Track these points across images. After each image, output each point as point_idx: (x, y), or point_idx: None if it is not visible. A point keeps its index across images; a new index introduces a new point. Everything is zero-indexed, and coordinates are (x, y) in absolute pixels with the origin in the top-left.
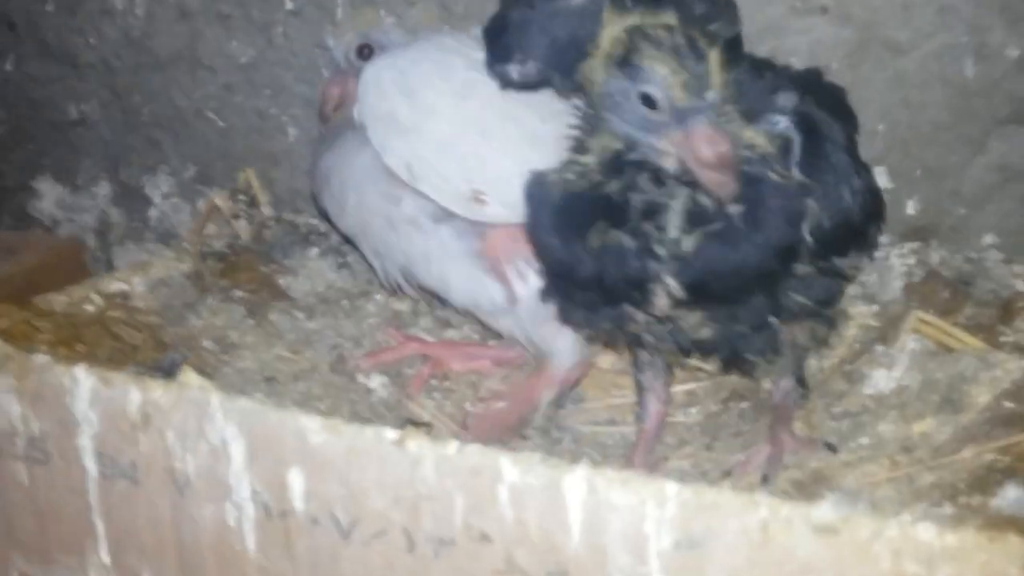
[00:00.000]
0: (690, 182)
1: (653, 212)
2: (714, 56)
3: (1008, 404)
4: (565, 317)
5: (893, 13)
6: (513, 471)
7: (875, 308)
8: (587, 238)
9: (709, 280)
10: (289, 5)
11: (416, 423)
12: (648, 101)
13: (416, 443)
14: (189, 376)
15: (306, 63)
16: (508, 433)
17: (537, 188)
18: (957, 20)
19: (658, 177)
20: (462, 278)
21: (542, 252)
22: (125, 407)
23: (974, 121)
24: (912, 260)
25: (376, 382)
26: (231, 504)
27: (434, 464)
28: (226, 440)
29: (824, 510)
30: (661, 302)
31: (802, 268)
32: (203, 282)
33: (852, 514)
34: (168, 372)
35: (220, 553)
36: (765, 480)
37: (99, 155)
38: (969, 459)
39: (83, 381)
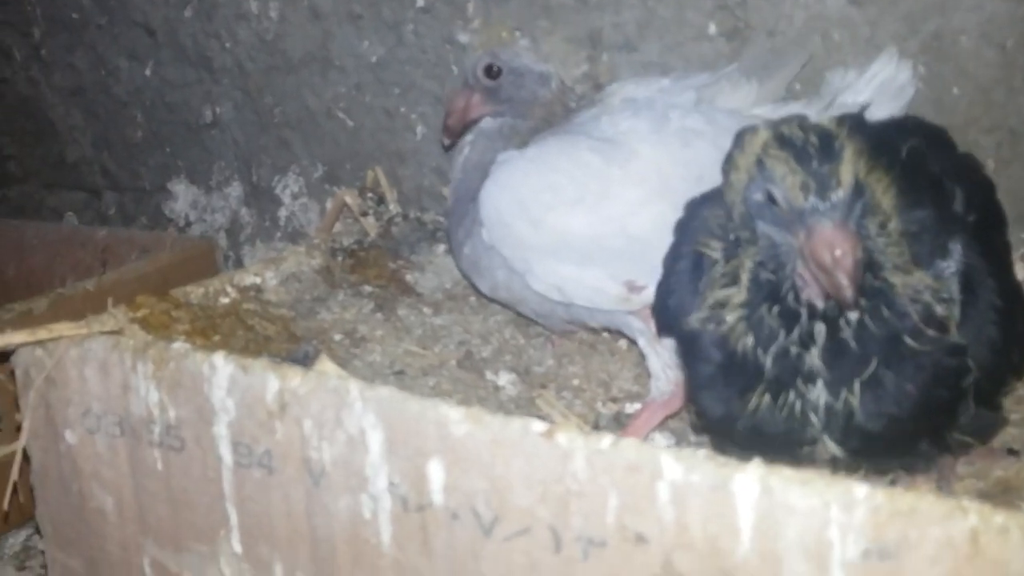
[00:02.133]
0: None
1: (803, 364)
2: (849, 155)
3: None
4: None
5: None
6: (676, 468)
7: None
8: (746, 402)
9: (869, 442)
10: (420, 3)
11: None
12: (772, 199)
13: (567, 436)
14: (326, 365)
15: (435, 60)
16: None
17: (692, 344)
18: None
19: (793, 311)
20: (623, 322)
21: (700, 409)
22: (263, 395)
23: None
24: None
25: (504, 379)
26: (367, 496)
27: (586, 459)
28: (364, 429)
29: None
30: (823, 457)
31: (970, 407)
32: (333, 277)
33: None
34: (301, 363)
35: (354, 546)
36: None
37: (231, 156)
38: None
39: (221, 369)
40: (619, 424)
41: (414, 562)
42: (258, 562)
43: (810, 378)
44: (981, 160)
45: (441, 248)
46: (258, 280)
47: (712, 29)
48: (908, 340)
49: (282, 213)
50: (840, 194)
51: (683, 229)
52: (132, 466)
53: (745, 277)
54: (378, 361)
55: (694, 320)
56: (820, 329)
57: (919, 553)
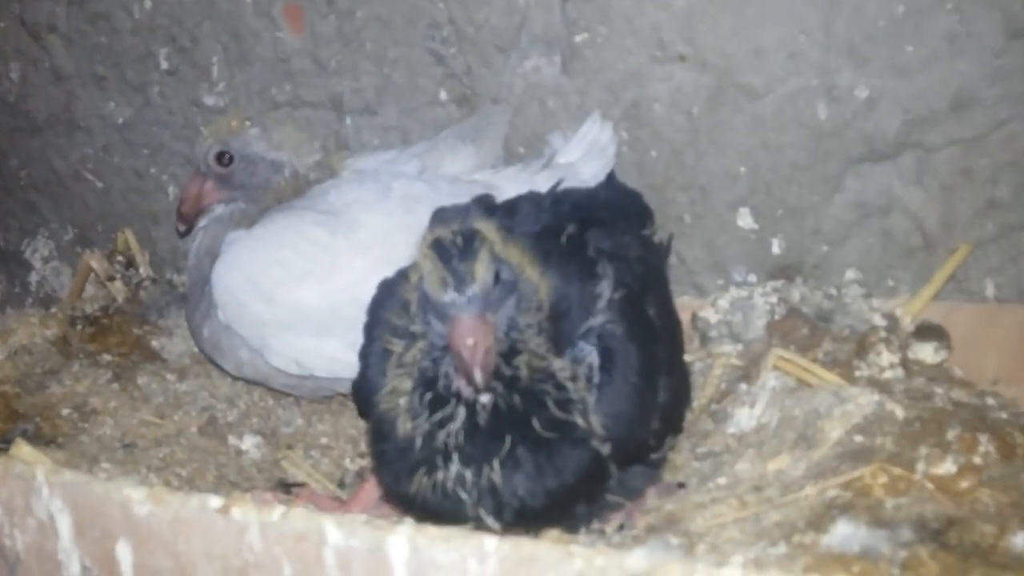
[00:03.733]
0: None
1: (443, 444)
2: (484, 254)
3: (858, 438)
4: None
5: (746, 59)
6: (337, 534)
7: (739, 347)
8: (412, 481)
9: (520, 515)
10: (164, 65)
11: (290, 484)
12: (426, 299)
13: (241, 510)
14: (21, 449)
15: (183, 121)
16: None
17: (376, 425)
18: (807, 64)
19: (442, 396)
20: None
21: (383, 487)
22: None
23: (830, 161)
24: (774, 298)
25: (249, 443)
26: None
27: (259, 531)
28: (53, 515)
29: (637, 558)
30: (494, 527)
31: (613, 473)
32: (69, 347)
33: (664, 560)
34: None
35: None
36: (621, 528)
37: None
38: (813, 496)
39: None
40: (363, 479)
41: None
42: None
43: (450, 457)
44: (678, 215)
45: None
46: None
47: (443, 95)
48: (536, 425)
49: (33, 278)
50: (475, 288)
51: (373, 313)
52: None
53: (414, 366)
54: (108, 435)
55: (378, 402)
56: (460, 412)
57: None
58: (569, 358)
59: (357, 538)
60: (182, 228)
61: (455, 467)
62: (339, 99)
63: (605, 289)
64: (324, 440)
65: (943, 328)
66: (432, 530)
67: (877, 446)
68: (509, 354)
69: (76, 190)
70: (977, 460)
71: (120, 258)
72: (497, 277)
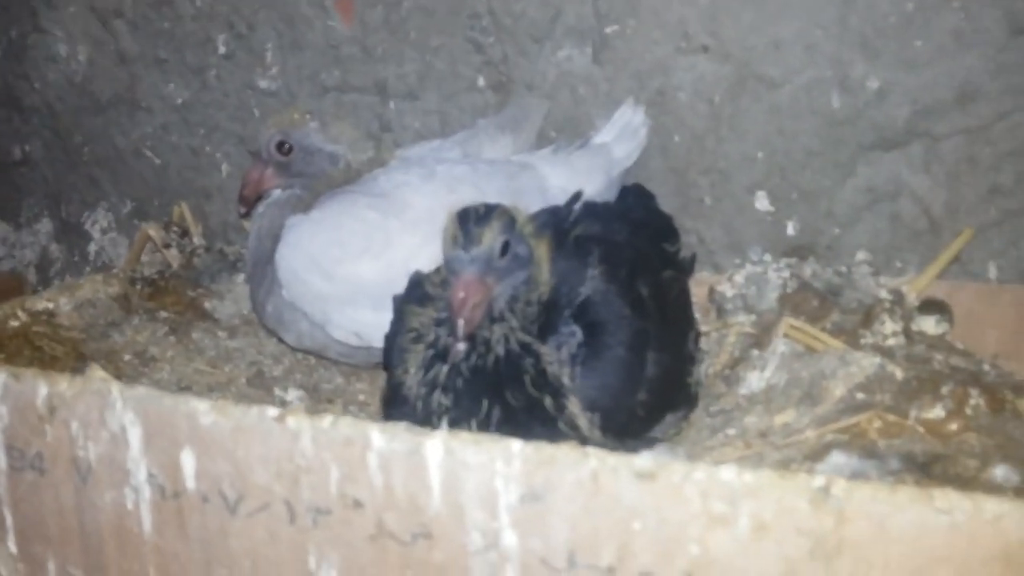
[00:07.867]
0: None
1: (433, 403)
2: (496, 224)
3: (859, 395)
4: None
5: (765, 51)
6: (381, 439)
7: (753, 318)
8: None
9: None
10: (221, 49)
11: None
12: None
13: (295, 418)
14: (96, 371)
15: (237, 103)
16: None
17: (390, 391)
18: (822, 56)
19: (439, 355)
20: None
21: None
22: (34, 400)
23: (842, 148)
24: (787, 274)
25: (292, 395)
26: (129, 488)
27: (311, 437)
28: (125, 426)
29: (644, 459)
30: None
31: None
32: (129, 303)
33: (667, 461)
34: None
35: (119, 537)
36: None
37: (41, 193)
38: (813, 438)
39: None
40: None
41: (173, 546)
42: (32, 560)
43: (441, 418)
44: (699, 197)
45: (241, 277)
46: (51, 305)
47: (481, 82)
48: (509, 396)
49: (92, 248)
50: (480, 250)
51: (399, 302)
52: None
53: (427, 332)
54: (166, 379)
55: (396, 373)
56: (443, 371)
57: (560, 493)
58: (553, 344)
59: (398, 442)
60: (242, 210)
61: (444, 428)
62: (384, 84)
63: (591, 269)
64: (361, 397)
65: (945, 303)
66: (465, 435)
67: (876, 401)
68: (497, 322)
69: (135, 166)
70: (967, 411)
71: (175, 229)
72: (506, 248)
